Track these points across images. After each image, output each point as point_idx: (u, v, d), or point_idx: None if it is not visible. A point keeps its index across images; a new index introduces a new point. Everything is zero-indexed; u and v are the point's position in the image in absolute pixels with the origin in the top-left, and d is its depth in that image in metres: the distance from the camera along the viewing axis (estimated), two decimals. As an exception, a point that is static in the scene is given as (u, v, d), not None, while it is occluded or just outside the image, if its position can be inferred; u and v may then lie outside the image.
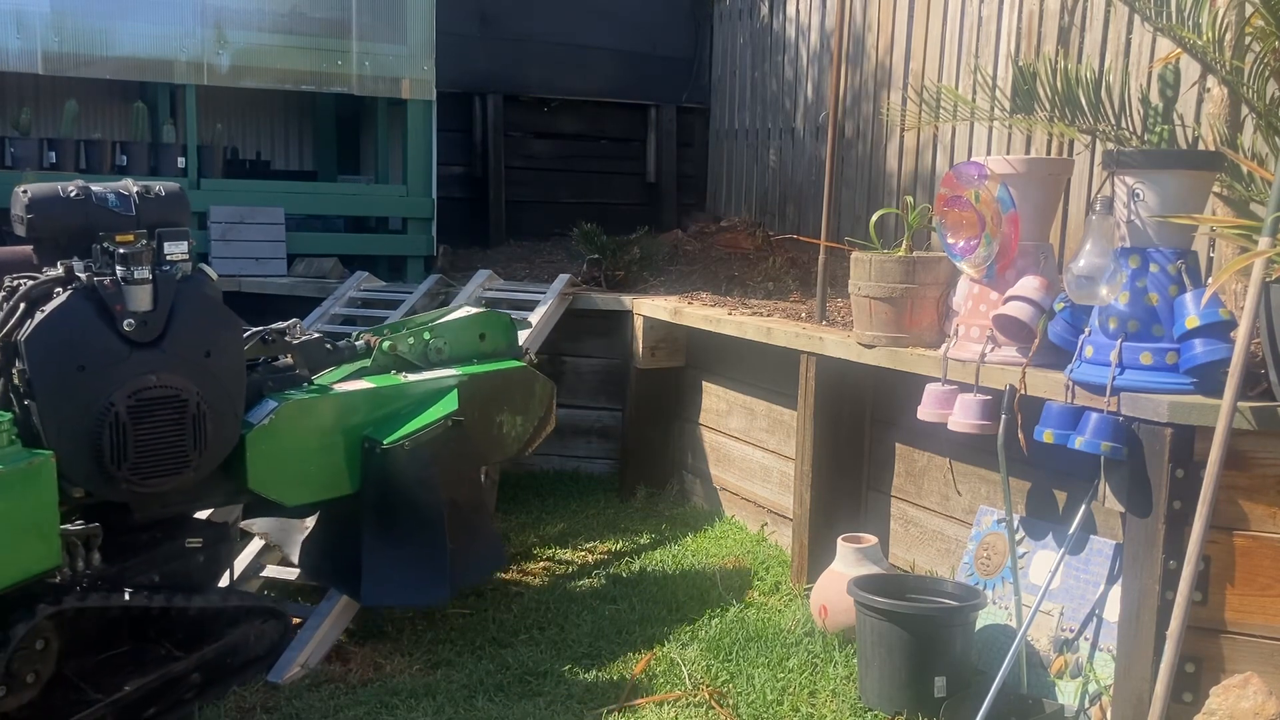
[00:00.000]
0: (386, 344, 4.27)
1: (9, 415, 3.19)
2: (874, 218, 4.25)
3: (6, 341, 3.35)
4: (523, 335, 5.31)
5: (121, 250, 3.43)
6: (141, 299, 3.45)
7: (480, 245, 7.22)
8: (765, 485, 5.33)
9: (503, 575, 4.80)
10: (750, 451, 5.45)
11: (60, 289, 3.40)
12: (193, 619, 3.75)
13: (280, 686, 3.74)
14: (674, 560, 5.00)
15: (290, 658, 3.85)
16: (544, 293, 6.00)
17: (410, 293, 6.09)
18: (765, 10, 7.20)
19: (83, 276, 3.42)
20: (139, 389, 3.44)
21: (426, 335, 4.36)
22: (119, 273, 3.43)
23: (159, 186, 3.70)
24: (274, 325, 4.03)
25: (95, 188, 3.60)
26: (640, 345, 5.87)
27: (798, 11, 6.88)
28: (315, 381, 4.06)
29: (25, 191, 3.54)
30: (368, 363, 4.26)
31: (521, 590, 4.62)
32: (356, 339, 4.29)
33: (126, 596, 3.48)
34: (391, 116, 6.87)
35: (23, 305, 3.36)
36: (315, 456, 3.92)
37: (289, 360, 4.04)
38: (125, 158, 5.91)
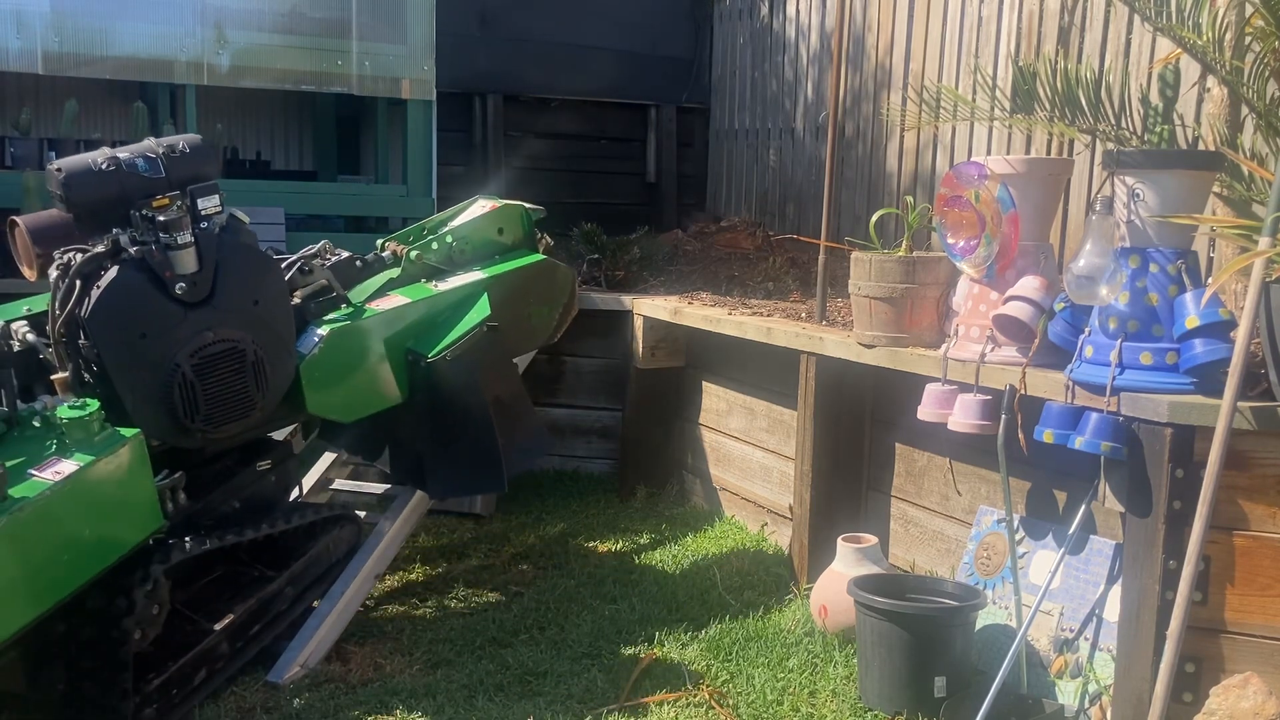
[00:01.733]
0: (414, 253, 4.43)
1: (96, 403, 3.31)
2: (874, 218, 4.25)
3: (70, 319, 3.49)
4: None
5: (161, 217, 3.57)
6: (187, 261, 3.61)
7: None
8: (765, 485, 5.33)
9: (503, 575, 4.81)
10: (750, 451, 5.45)
11: (108, 263, 3.55)
12: (279, 539, 4.06)
13: (280, 686, 3.74)
14: (674, 560, 5.00)
15: (290, 658, 3.85)
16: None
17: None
18: (765, 10, 7.19)
19: (132, 250, 3.56)
20: (199, 347, 3.64)
21: (449, 239, 4.50)
22: (162, 239, 3.57)
23: (181, 143, 3.80)
24: (305, 251, 4.16)
25: (122, 155, 3.68)
26: (640, 345, 5.86)
27: (798, 11, 6.87)
28: (353, 301, 4.21)
29: (59, 170, 3.61)
30: (396, 272, 4.40)
31: (521, 590, 4.63)
32: (382, 249, 4.42)
33: (228, 537, 3.76)
34: (391, 116, 6.87)
35: (79, 283, 3.49)
36: (364, 375, 4.16)
37: (323, 282, 4.18)
38: (125, 158, 5.91)
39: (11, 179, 5.42)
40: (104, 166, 3.61)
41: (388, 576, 4.63)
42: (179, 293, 3.60)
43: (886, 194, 5.97)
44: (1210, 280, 3.24)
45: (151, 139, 3.82)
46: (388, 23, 6.32)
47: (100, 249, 3.55)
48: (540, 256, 4.71)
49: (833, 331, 4.59)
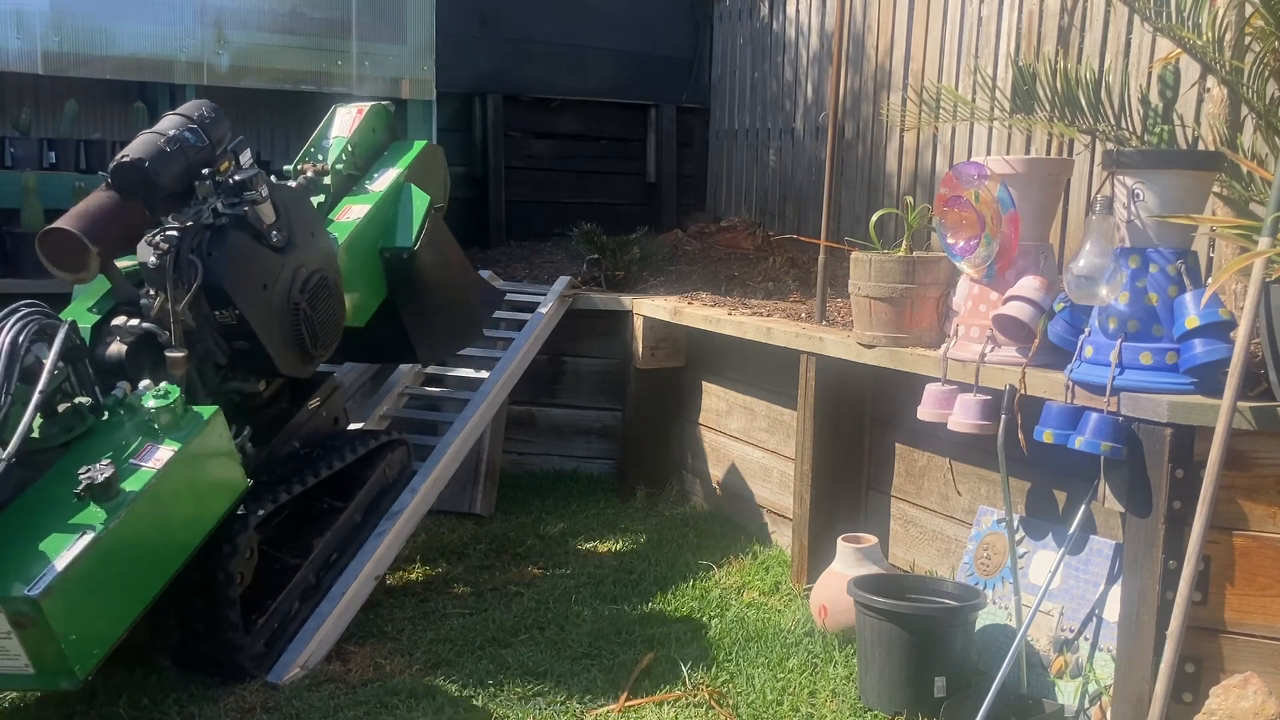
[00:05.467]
0: (340, 165, 4.70)
1: (178, 389, 3.54)
2: (874, 218, 4.25)
3: (197, 295, 3.72)
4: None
5: (236, 178, 3.87)
6: (269, 212, 3.93)
7: (480, 245, 7.22)
8: (765, 485, 5.33)
9: (503, 575, 4.81)
10: (750, 451, 5.45)
11: (207, 231, 3.79)
12: (343, 470, 4.36)
13: (280, 686, 3.74)
14: (674, 560, 4.99)
15: (290, 658, 3.85)
16: (544, 294, 6.01)
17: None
18: (765, 10, 7.19)
19: (236, 212, 3.83)
20: (304, 282, 4.05)
21: (350, 147, 4.77)
22: (246, 197, 3.85)
23: (201, 109, 3.98)
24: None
25: (169, 133, 3.84)
26: (640, 345, 5.86)
27: (797, 12, 6.87)
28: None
29: (144, 160, 3.74)
30: (321, 197, 4.64)
31: (521, 590, 4.62)
32: (297, 175, 4.63)
33: (304, 484, 4.09)
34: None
35: (195, 259, 3.71)
36: (365, 279, 4.52)
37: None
38: (125, 158, 5.90)
39: (11, 179, 5.41)
40: (170, 147, 3.79)
41: (388, 576, 4.63)
42: (275, 241, 3.94)
43: (886, 194, 5.97)
44: (1210, 280, 3.23)
45: (169, 115, 3.96)
46: (388, 23, 6.32)
47: (202, 222, 3.77)
48: (424, 142, 5.06)
49: (833, 331, 4.59)
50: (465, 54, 7.09)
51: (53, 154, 5.76)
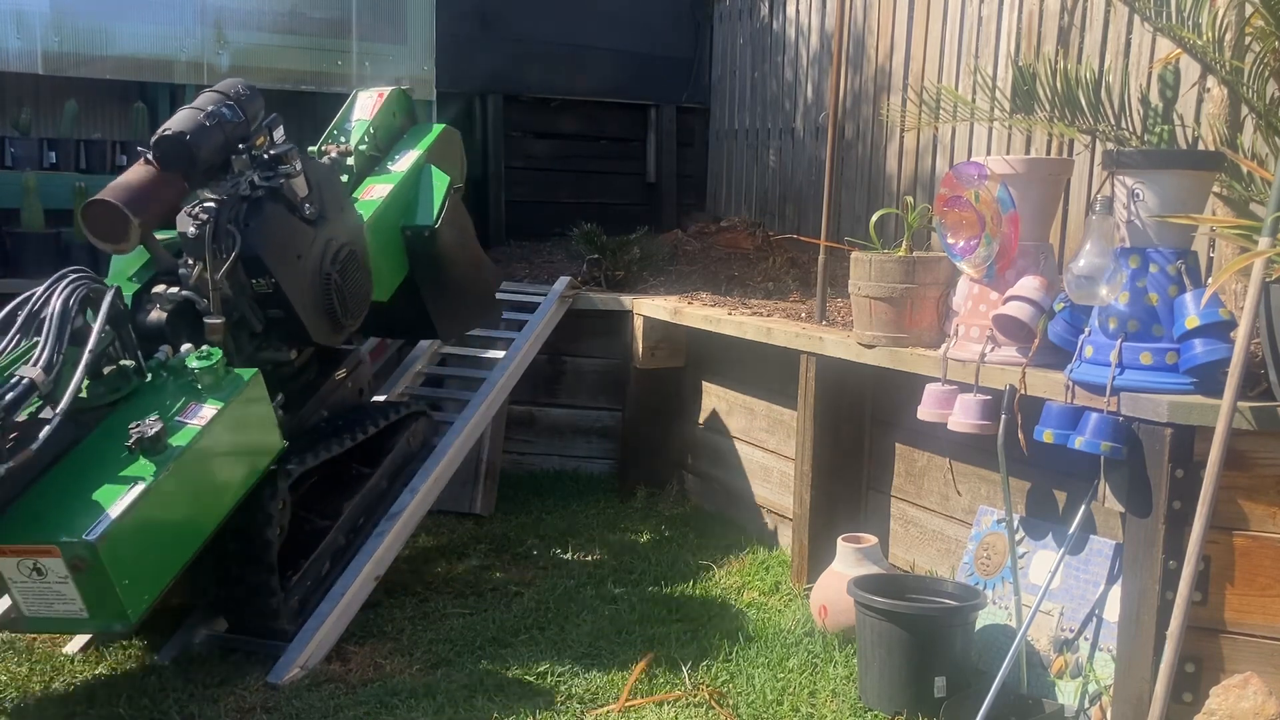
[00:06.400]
0: (363, 146, 4.82)
1: (219, 351, 3.70)
2: (874, 218, 4.25)
3: (234, 264, 3.85)
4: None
5: (271, 153, 4.01)
6: (302, 186, 4.07)
7: (480, 245, 7.21)
8: (765, 485, 5.33)
9: (503, 575, 4.81)
10: (750, 451, 5.45)
11: (244, 203, 3.93)
12: (371, 438, 4.56)
13: (280, 686, 3.74)
14: (674, 560, 4.99)
15: (290, 658, 3.85)
16: (544, 294, 6.01)
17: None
18: (765, 11, 7.19)
19: (272, 185, 3.97)
20: (335, 254, 4.19)
21: (371, 130, 4.89)
22: (281, 170, 3.99)
23: (237, 87, 4.09)
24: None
25: (208, 108, 3.95)
26: (640, 345, 5.86)
27: (797, 12, 6.87)
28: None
29: (185, 134, 3.85)
30: (345, 177, 4.71)
31: (521, 590, 4.62)
32: (321, 156, 4.67)
33: (337, 448, 4.28)
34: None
35: (233, 229, 3.86)
36: (391, 254, 4.67)
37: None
38: (125, 158, 5.90)
39: (11, 179, 5.41)
40: (209, 121, 3.90)
41: (388, 576, 4.63)
42: (308, 214, 4.09)
43: (886, 195, 5.96)
44: (1210, 280, 3.24)
45: (208, 92, 4.05)
46: (388, 23, 6.32)
47: (238, 195, 3.91)
48: (442, 126, 5.20)
49: (833, 331, 4.59)
50: (465, 54, 7.09)
51: (53, 154, 5.76)
